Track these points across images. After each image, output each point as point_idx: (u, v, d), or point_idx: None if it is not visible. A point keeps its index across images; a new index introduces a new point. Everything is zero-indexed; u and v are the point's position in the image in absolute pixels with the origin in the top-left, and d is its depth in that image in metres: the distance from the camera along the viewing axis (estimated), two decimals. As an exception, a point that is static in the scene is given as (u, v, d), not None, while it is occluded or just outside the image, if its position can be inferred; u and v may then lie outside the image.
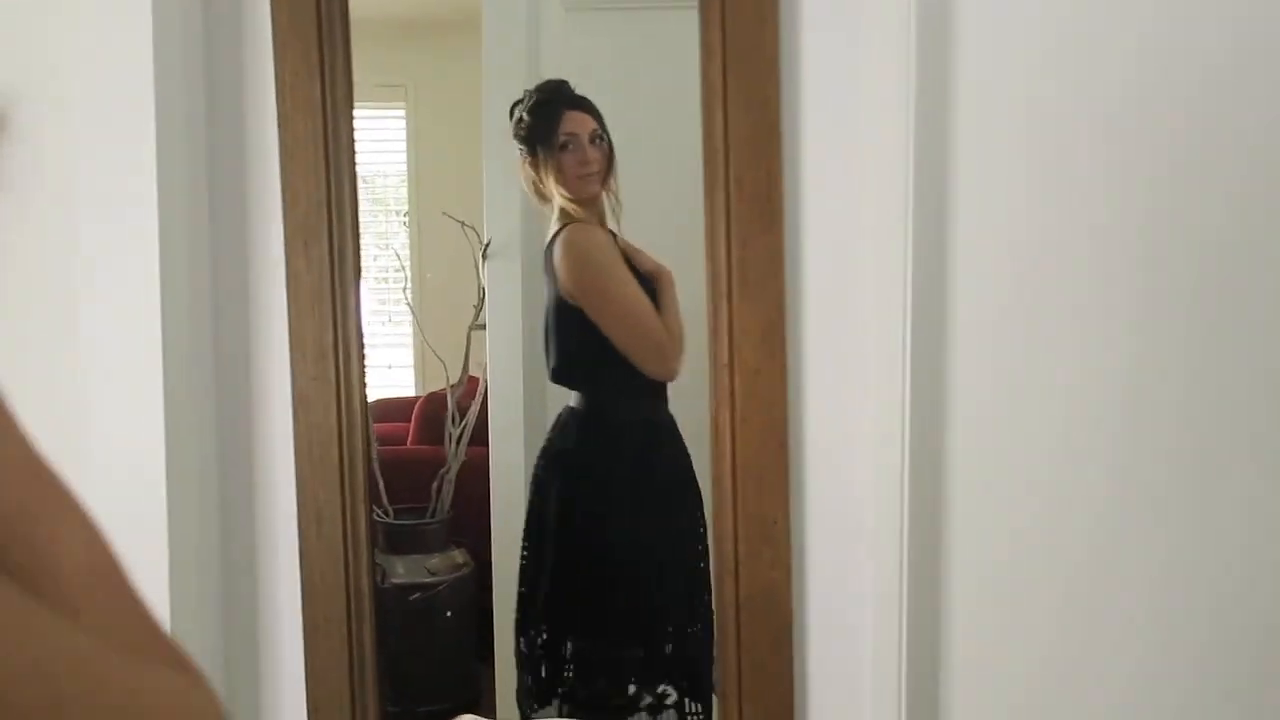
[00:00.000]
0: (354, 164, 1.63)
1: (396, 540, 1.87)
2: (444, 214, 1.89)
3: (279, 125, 1.59)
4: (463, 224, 1.87)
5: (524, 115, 1.79)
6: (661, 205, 1.79)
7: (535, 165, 1.79)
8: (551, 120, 1.76)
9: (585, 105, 1.78)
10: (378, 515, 1.80)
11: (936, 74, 1.55)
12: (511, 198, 1.88)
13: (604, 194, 1.81)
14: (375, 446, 1.72)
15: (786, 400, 1.60)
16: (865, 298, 1.60)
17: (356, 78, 1.65)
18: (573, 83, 1.78)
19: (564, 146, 1.78)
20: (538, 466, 1.85)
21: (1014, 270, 1.58)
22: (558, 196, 1.80)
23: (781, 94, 1.60)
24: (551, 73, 1.84)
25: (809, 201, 1.62)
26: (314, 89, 1.58)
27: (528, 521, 1.84)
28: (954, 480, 1.62)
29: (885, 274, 1.56)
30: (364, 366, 1.65)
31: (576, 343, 1.80)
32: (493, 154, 1.88)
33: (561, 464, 1.83)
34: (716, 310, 1.61)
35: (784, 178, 1.60)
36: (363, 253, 1.68)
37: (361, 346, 1.64)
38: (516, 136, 1.80)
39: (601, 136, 1.79)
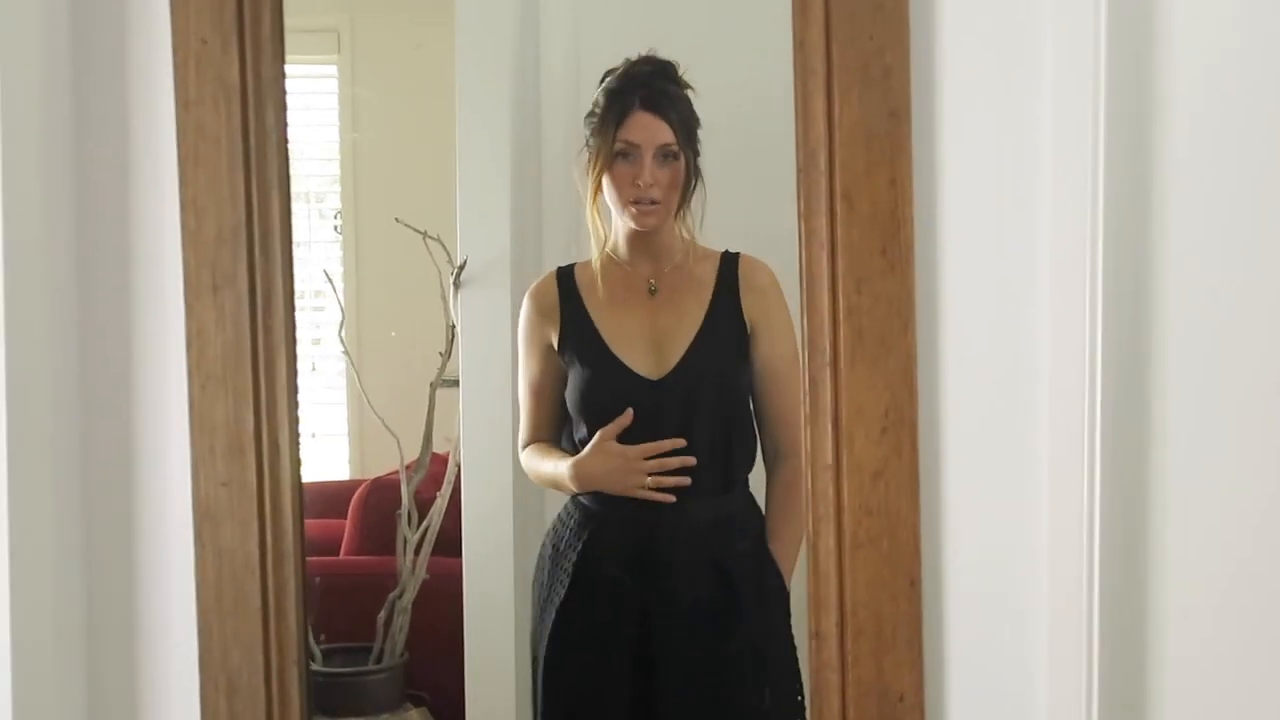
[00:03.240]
0: (286, 166, 1.52)
1: (325, 697, 1.80)
2: (397, 220, 1.82)
3: (179, 110, 1.50)
4: (425, 236, 1.81)
5: (599, 97, 1.79)
6: (726, 231, 1.79)
7: (590, 165, 1.80)
8: (613, 116, 1.77)
9: (666, 106, 1.77)
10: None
11: (1137, 36, 1.44)
12: (498, 200, 1.87)
13: (678, 230, 1.82)
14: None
15: (919, 518, 1.51)
16: (1034, 365, 1.51)
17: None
18: (681, 66, 1.77)
19: (621, 155, 1.78)
20: (542, 590, 1.84)
21: (1241, 325, 1.46)
22: (597, 219, 1.82)
23: (912, 68, 1.48)
24: (555, 16, 1.86)
25: (951, 225, 1.52)
26: (230, 56, 1.49)
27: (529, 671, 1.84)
28: (1165, 640, 1.48)
29: (1065, 331, 1.47)
30: (299, 466, 1.54)
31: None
32: (472, 135, 1.84)
33: (563, 587, 1.83)
34: (816, 385, 1.50)
35: (915, 191, 1.48)
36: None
37: (296, 436, 1.54)
38: (586, 124, 1.81)
39: (676, 154, 1.78)
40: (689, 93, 1.77)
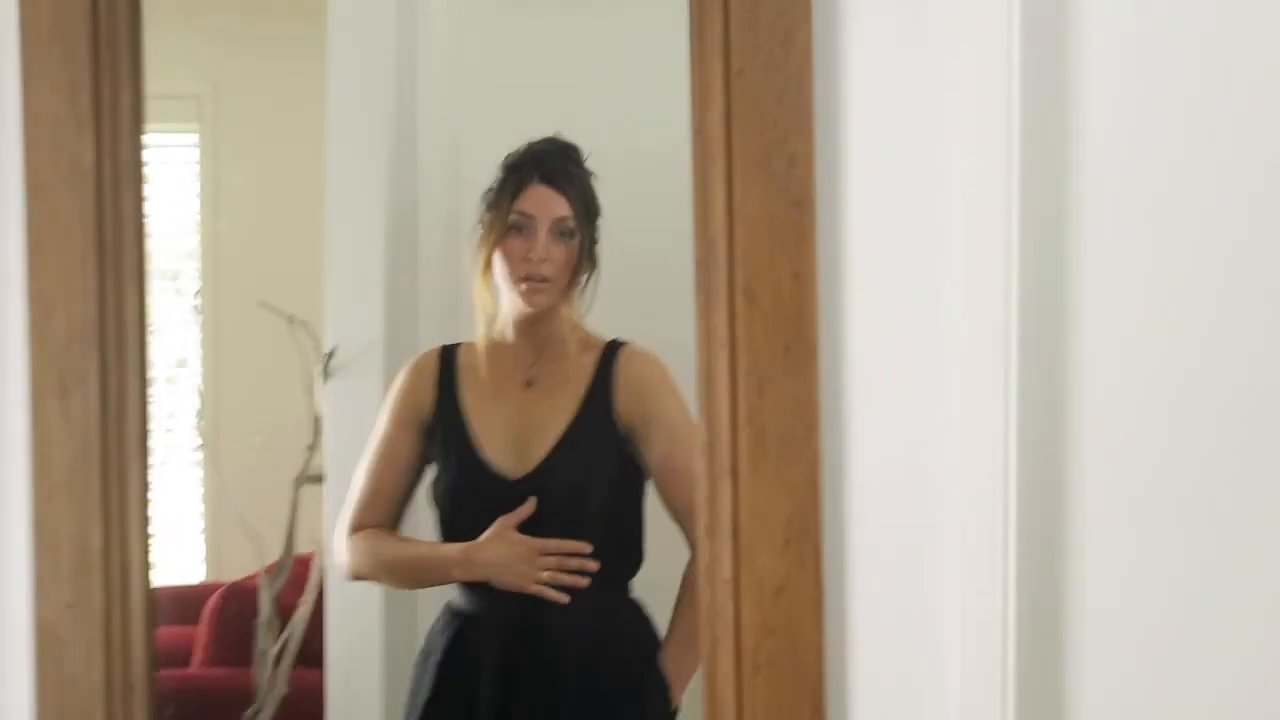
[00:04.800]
0: (144, 256, 1.50)
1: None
2: (261, 303, 1.80)
3: (29, 195, 1.46)
4: (290, 320, 1.81)
5: (498, 171, 1.82)
6: (624, 327, 1.81)
7: (482, 239, 1.82)
8: (510, 188, 1.79)
9: (564, 182, 1.80)
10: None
11: (1052, 120, 1.48)
12: (370, 283, 1.85)
13: (567, 316, 1.83)
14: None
15: (823, 638, 1.49)
16: (945, 471, 1.51)
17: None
18: (586, 149, 1.81)
19: (515, 228, 1.80)
20: (411, 694, 1.83)
21: (1156, 412, 1.50)
22: (486, 297, 1.82)
23: (817, 155, 1.49)
24: (434, 82, 1.86)
25: (858, 321, 1.52)
26: (86, 137, 1.46)
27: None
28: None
29: (976, 434, 1.47)
30: (149, 585, 1.51)
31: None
32: (343, 212, 1.84)
33: (428, 690, 1.82)
34: (715, 493, 1.49)
35: (820, 286, 1.48)
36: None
37: (148, 553, 1.50)
38: (483, 199, 1.84)
39: (572, 231, 1.80)
40: (593, 179, 1.79)
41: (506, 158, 1.81)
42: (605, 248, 1.81)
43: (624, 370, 1.80)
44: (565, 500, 1.77)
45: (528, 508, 1.76)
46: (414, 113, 1.84)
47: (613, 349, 1.81)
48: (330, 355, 1.80)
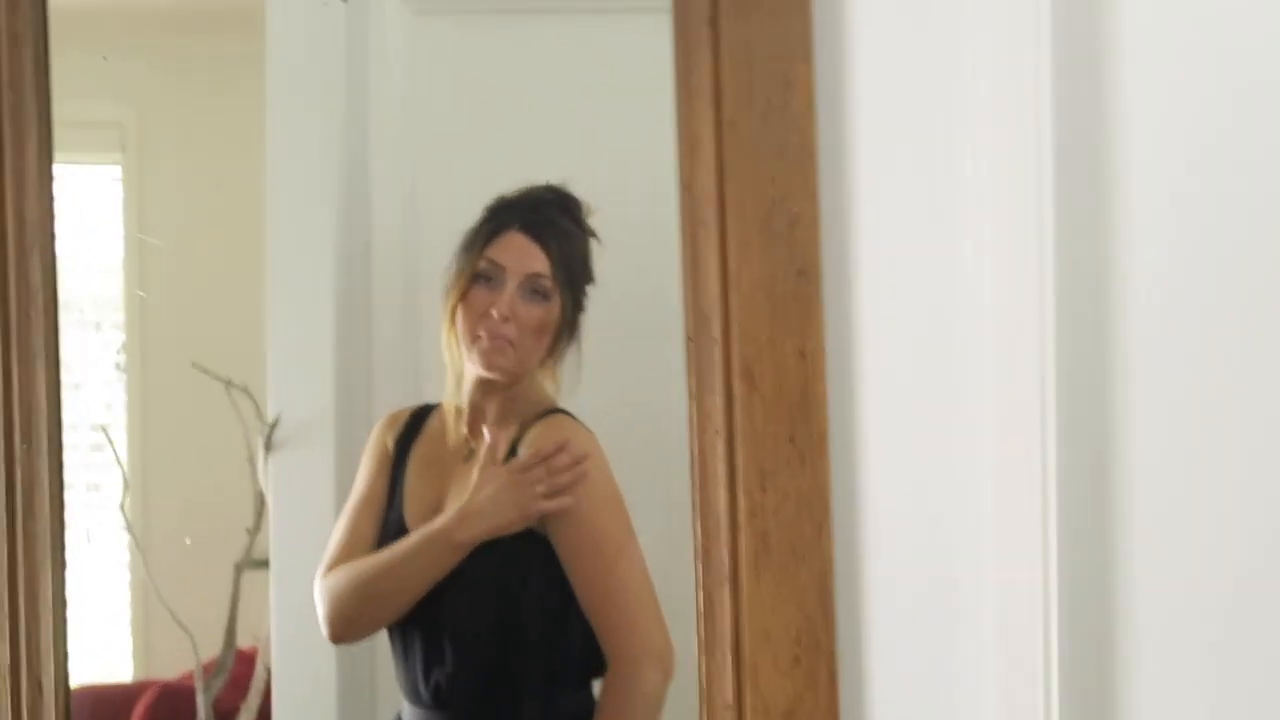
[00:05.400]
0: (56, 333, 1.49)
1: None
2: (195, 365, 1.75)
3: None
4: (229, 385, 1.75)
5: (482, 212, 1.72)
6: (602, 412, 1.71)
7: (449, 285, 1.72)
8: (485, 232, 1.70)
9: (548, 234, 1.71)
10: None
11: (1088, 170, 1.44)
12: (319, 345, 1.79)
13: (538, 388, 1.74)
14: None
15: None
16: (975, 576, 1.48)
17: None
18: (587, 204, 1.73)
19: (483, 277, 1.70)
20: None
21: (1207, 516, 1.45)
22: (456, 350, 1.73)
23: (822, 217, 1.46)
24: (389, 112, 1.79)
25: (873, 407, 1.49)
26: None
27: None
28: None
29: (1009, 536, 1.44)
30: (68, 701, 1.49)
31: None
32: (288, 262, 1.78)
33: None
34: (711, 604, 1.46)
35: (828, 366, 1.45)
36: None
37: (65, 673, 1.49)
38: (463, 239, 1.74)
39: (548, 291, 1.70)
40: (593, 241, 1.72)
41: (493, 200, 1.72)
42: (592, 325, 1.74)
43: (531, 444, 1.70)
44: (490, 595, 1.69)
45: (492, 443, 1.68)
46: (366, 147, 1.78)
47: (532, 421, 1.72)
48: (274, 425, 1.75)
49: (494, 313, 1.68)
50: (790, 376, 1.45)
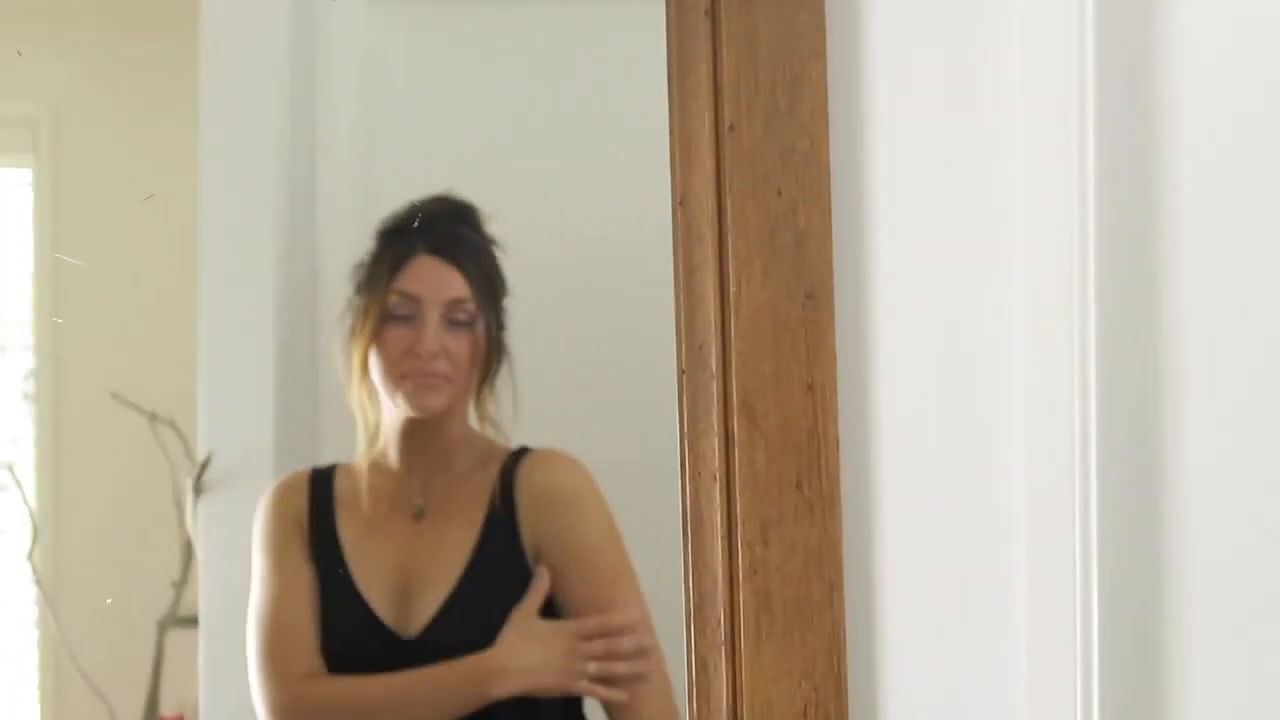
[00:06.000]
0: None
1: None
2: (115, 396, 1.71)
3: None
4: (153, 416, 1.71)
5: (373, 241, 1.68)
6: (561, 437, 1.69)
7: (353, 330, 1.67)
8: (388, 262, 1.66)
9: (461, 253, 1.67)
10: None
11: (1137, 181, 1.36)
12: (256, 369, 1.75)
13: (473, 425, 1.71)
14: None
15: None
16: (1006, 641, 1.40)
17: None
18: (483, 208, 1.67)
19: (397, 316, 1.66)
20: None
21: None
22: (366, 405, 1.68)
23: (835, 232, 1.39)
24: (339, 113, 1.75)
25: (890, 448, 1.42)
26: None
27: None
28: None
29: (1044, 594, 1.37)
30: None
31: None
32: (221, 274, 1.73)
33: None
34: (705, 672, 1.38)
35: (840, 402, 1.38)
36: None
37: None
38: (352, 277, 1.70)
39: (471, 319, 1.66)
40: (495, 249, 1.67)
41: (382, 222, 1.67)
42: (553, 348, 1.71)
43: (527, 482, 1.67)
44: None
45: (542, 587, 1.64)
46: (313, 153, 1.74)
47: (516, 457, 1.68)
48: (205, 464, 1.69)
49: (420, 351, 1.64)
50: (797, 414, 1.38)
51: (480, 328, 1.67)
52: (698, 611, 1.38)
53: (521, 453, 1.70)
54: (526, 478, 1.68)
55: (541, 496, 1.70)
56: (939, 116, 1.42)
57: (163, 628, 1.71)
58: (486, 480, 1.69)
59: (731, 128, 1.37)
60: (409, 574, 1.67)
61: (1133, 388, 1.38)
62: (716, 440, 1.37)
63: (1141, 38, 1.39)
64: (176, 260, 1.72)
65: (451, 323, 1.66)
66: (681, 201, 1.39)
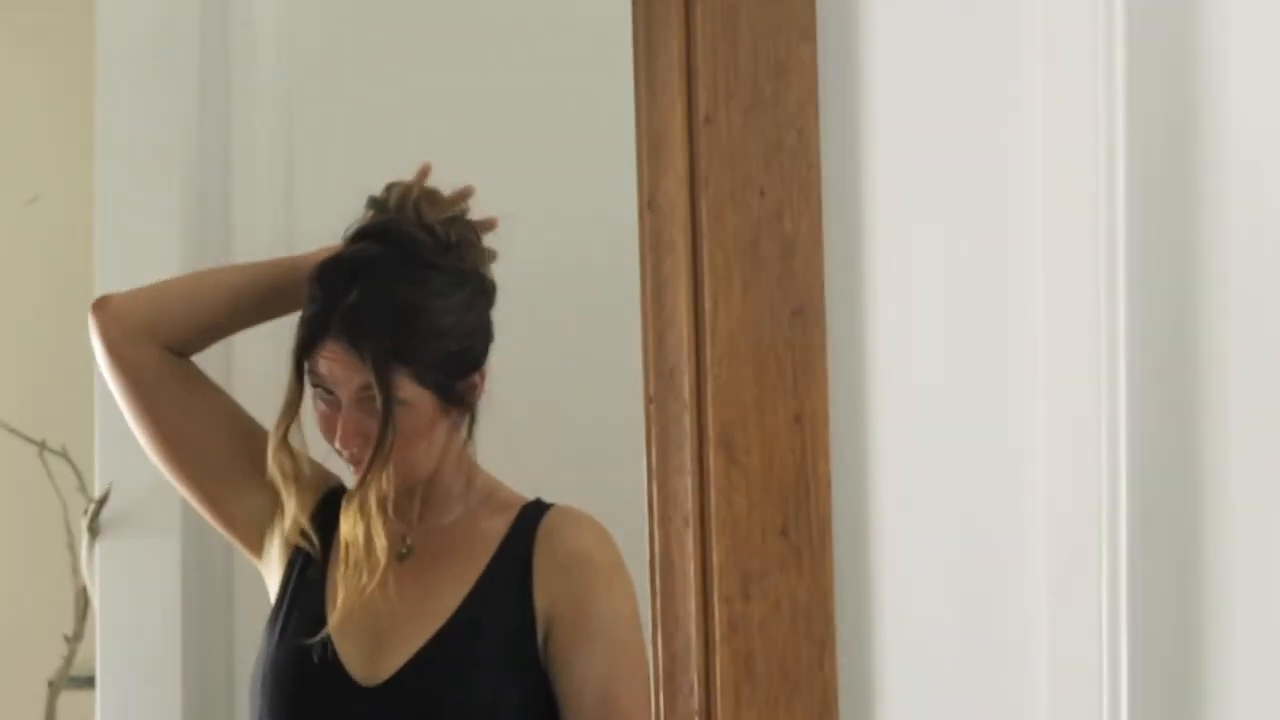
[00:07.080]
0: None
1: None
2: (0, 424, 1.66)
3: None
4: (42, 448, 1.64)
5: (310, 287, 1.58)
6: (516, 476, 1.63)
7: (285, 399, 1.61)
8: (302, 339, 1.56)
9: (361, 331, 1.55)
10: None
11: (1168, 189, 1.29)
12: None
13: (447, 464, 1.64)
14: None
15: None
16: (1022, 702, 1.33)
17: None
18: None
19: (318, 389, 1.59)
20: None
21: None
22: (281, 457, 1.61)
23: (826, 241, 1.32)
24: (253, 100, 1.63)
25: (888, 488, 1.36)
26: None
27: None
28: None
29: (1073, 660, 1.29)
30: None
31: None
32: (116, 282, 1.59)
33: None
34: None
35: (832, 434, 1.32)
36: None
37: None
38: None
39: (389, 400, 1.56)
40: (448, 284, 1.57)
41: (320, 267, 1.57)
42: (514, 377, 1.60)
43: (549, 541, 1.60)
44: None
45: None
46: (227, 147, 1.63)
47: (533, 511, 1.61)
48: (102, 501, 1.63)
49: (338, 436, 1.57)
50: (783, 449, 1.31)
51: (418, 403, 1.57)
52: (668, 677, 1.32)
53: (539, 506, 1.64)
54: (551, 535, 1.63)
55: (569, 559, 1.63)
56: (945, 106, 1.35)
57: (54, 688, 1.65)
58: (495, 529, 1.64)
59: (707, 119, 1.30)
60: (382, 619, 1.59)
61: (1163, 415, 1.28)
62: (690, 479, 1.31)
63: (1176, 11, 1.28)
64: (67, 268, 1.63)
65: (368, 401, 1.57)
66: (650, 204, 1.33)
